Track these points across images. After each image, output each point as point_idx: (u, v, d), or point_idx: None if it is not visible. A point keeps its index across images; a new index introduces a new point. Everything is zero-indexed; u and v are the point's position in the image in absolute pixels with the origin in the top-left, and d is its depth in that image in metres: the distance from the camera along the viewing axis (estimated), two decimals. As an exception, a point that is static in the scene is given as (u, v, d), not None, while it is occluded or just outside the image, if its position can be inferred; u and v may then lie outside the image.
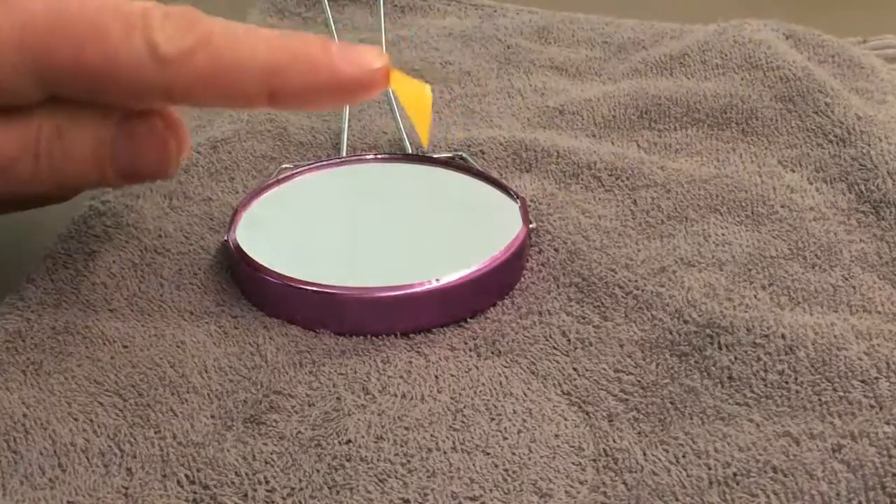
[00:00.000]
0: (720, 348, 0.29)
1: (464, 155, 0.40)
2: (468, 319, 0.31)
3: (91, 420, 0.27)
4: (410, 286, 0.30)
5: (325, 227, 0.34)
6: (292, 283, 0.31)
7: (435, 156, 0.39)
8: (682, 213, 0.36)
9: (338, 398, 0.28)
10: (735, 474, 0.25)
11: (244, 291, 0.32)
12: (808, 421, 0.26)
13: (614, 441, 0.26)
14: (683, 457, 0.26)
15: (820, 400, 0.27)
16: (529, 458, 0.26)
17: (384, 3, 0.54)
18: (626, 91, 0.44)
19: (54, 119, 0.26)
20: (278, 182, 0.36)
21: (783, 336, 0.29)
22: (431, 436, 0.27)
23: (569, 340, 0.30)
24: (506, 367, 0.29)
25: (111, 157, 0.27)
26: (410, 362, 0.29)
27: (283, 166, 0.39)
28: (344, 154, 0.40)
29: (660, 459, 0.26)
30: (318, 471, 0.25)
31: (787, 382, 0.28)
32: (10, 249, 0.36)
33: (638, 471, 0.25)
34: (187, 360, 0.29)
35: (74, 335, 0.30)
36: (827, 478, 0.24)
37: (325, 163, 0.38)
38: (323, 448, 0.26)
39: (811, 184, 0.38)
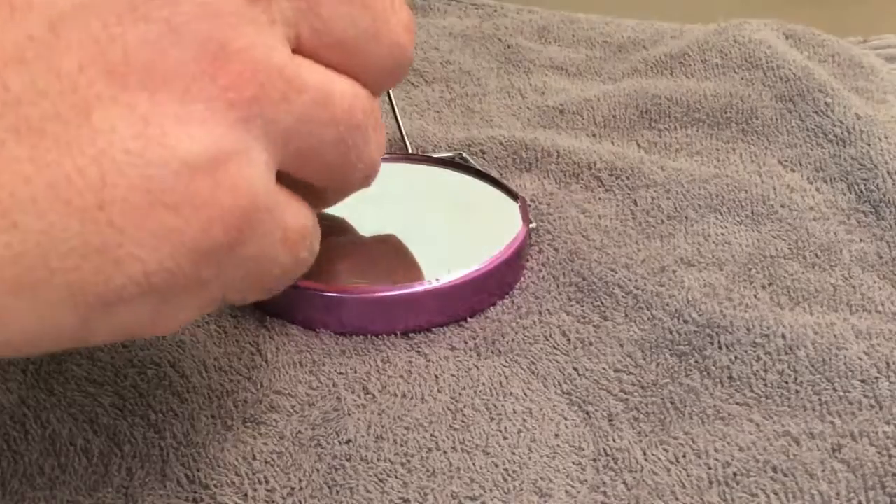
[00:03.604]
0: (720, 348, 0.29)
1: (464, 155, 0.40)
2: (468, 319, 0.31)
3: (91, 420, 0.27)
4: (410, 286, 0.30)
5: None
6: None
7: (435, 156, 0.39)
8: (682, 212, 0.36)
9: (338, 398, 0.28)
10: (735, 474, 0.25)
11: (244, 291, 0.32)
12: (808, 421, 0.26)
13: (614, 441, 0.26)
14: (683, 457, 0.26)
15: (820, 400, 0.27)
16: (529, 458, 0.26)
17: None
18: (626, 91, 0.44)
19: None
20: (278, 182, 0.36)
21: (783, 336, 0.29)
22: (431, 435, 0.27)
23: (569, 340, 0.30)
24: (506, 366, 0.29)
25: None
26: (410, 362, 0.29)
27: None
28: (344, 154, 0.40)
29: (660, 459, 0.26)
30: (317, 470, 0.25)
31: (787, 382, 0.28)
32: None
33: (638, 471, 0.25)
34: (187, 360, 0.29)
35: (74, 335, 0.30)
36: (827, 477, 0.24)
37: (325, 163, 0.38)
38: (323, 448, 0.26)
39: (811, 183, 0.38)
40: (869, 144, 0.38)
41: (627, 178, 0.38)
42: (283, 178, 0.21)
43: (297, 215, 0.21)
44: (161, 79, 0.18)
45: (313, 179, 0.22)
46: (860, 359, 0.28)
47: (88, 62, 0.17)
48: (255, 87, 0.19)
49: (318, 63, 0.21)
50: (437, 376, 0.29)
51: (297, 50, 0.20)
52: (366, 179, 0.24)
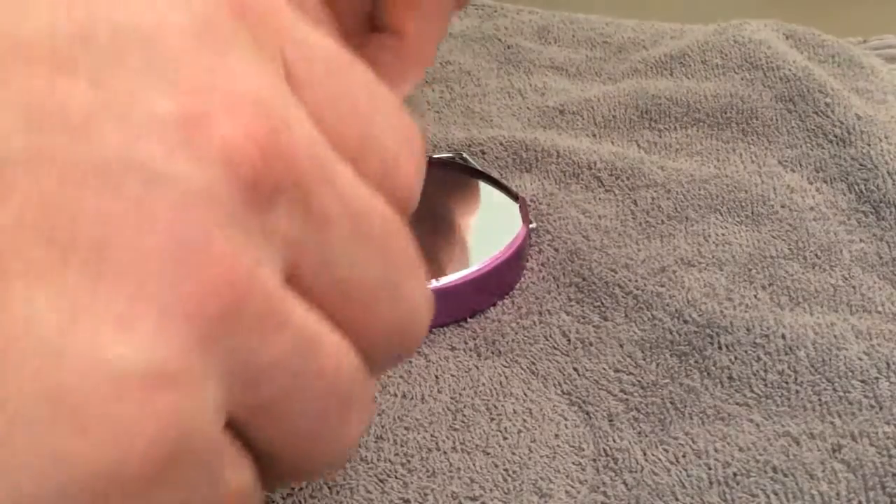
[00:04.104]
0: (720, 348, 0.29)
1: (464, 155, 0.40)
2: (468, 319, 0.31)
3: (91, 420, 0.27)
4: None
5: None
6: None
7: (435, 156, 0.39)
8: (682, 213, 0.36)
9: (338, 398, 0.28)
10: (735, 474, 0.25)
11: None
12: (808, 421, 0.26)
13: (614, 441, 0.26)
14: (683, 457, 0.26)
15: (820, 400, 0.27)
16: (529, 458, 0.26)
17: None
18: (626, 91, 0.44)
19: None
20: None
21: (783, 336, 0.29)
22: (431, 436, 0.27)
23: (569, 340, 0.30)
24: (506, 367, 0.29)
25: None
26: (410, 362, 0.29)
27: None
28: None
29: (660, 459, 0.26)
30: (318, 471, 0.25)
31: (787, 382, 0.28)
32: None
33: (638, 471, 0.25)
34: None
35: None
36: (827, 478, 0.24)
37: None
38: (323, 448, 0.26)
39: (811, 184, 0.38)
40: (869, 145, 0.38)
41: (627, 178, 0.38)
42: (235, 430, 0.16)
43: (239, 472, 0.16)
44: (112, 265, 0.14)
45: (272, 444, 0.17)
46: (860, 359, 0.28)
47: (28, 220, 0.13)
48: (228, 303, 0.15)
49: (311, 305, 0.17)
50: (437, 376, 0.29)
51: (289, 282, 0.16)
52: (336, 462, 0.18)
